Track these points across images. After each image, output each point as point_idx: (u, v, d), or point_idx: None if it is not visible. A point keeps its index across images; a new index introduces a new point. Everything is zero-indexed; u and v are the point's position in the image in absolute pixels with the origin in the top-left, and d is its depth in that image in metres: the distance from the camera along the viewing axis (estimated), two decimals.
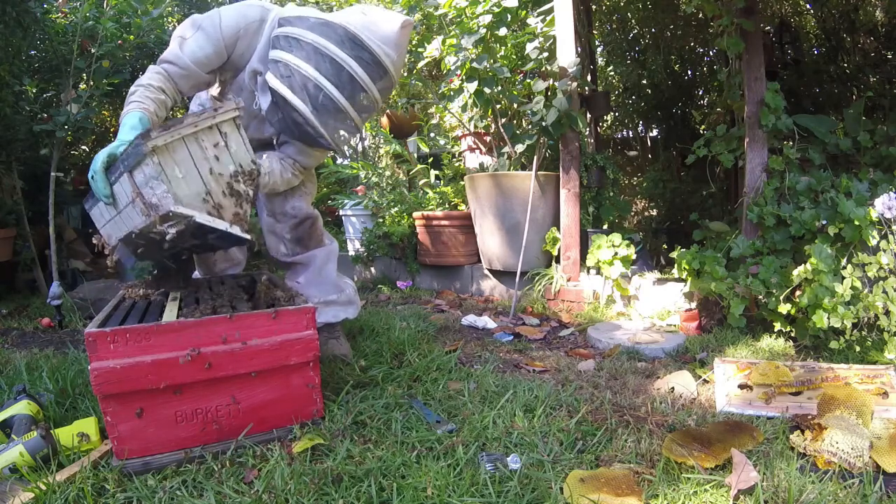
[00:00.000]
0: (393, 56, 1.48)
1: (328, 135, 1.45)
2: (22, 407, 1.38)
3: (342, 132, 1.49)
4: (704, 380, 1.74)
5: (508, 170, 3.15)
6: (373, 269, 3.82)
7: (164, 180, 1.15)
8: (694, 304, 2.46)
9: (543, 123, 2.80)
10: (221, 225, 1.21)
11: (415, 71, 3.69)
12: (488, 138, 3.46)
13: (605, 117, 4.53)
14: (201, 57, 1.57)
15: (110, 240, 1.42)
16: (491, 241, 3.11)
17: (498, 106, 3.20)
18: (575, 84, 2.78)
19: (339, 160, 4.22)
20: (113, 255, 1.42)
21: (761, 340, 2.10)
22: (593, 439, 1.33)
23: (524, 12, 3.17)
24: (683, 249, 2.38)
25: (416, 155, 4.29)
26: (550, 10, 2.92)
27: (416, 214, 3.48)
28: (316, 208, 1.99)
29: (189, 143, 1.21)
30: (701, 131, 3.90)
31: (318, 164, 1.99)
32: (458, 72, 3.09)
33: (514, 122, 3.30)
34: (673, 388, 1.67)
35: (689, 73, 4.27)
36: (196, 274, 2.05)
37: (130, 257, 1.40)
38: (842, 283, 1.88)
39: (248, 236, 1.26)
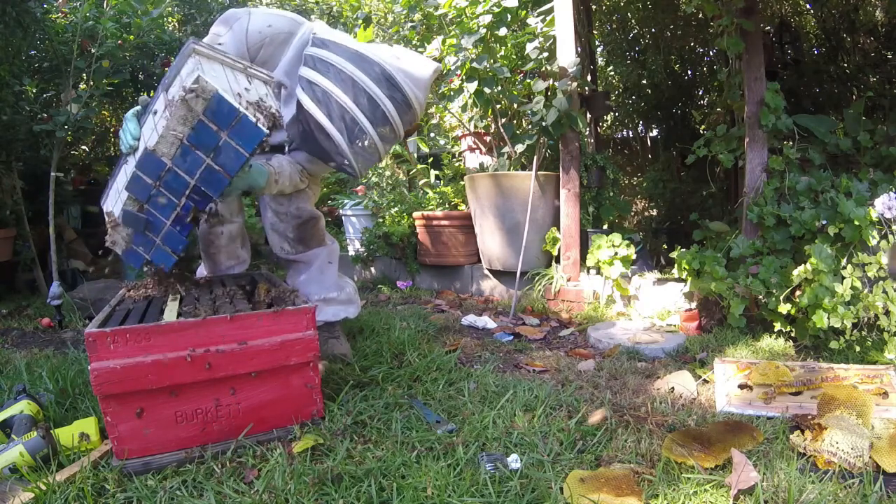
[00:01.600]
0: (421, 99, 1.54)
1: (357, 165, 1.49)
2: (22, 407, 1.38)
3: (367, 161, 1.54)
4: (704, 380, 1.74)
5: (508, 170, 3.15)
6: (373, 269, 3.82)
7: (199, 71, 1.21)
8: (694, 304, 2.46)
9: (543, 123, 2.80)
10: (239, 107, 1.23)
11: None
12: (488, 138, 3.46)
13: (605, 117, 4.53)
14: None
15: (116, 211, 1.43)
16: (491, 241, 3.11)
17: (498, 106, 3.20)
18: (575, 84, 2.78)
19: None
20: (119, 228, 1.41)
21: (761, 340, 2.10)
22: (593, 439, 1.33)
23: (524, 12, 3.17)
24: (683, 249, 2.38)
25: (416, 155, 4.29)
26: (550, 10, 2.92)
27: (416, 214, 3.48)
28: (317, 208, 2.00)
29: (225, 68, 1.32)
30: (701, 131, 3.90)
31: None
32: (458, 72, 3.09)
33: (514, 122, 3.30)
34: (673, 388, 1.67)
35: (689, 73, 4.27)
36: (200, 271, 2.06)
37: (139, 218, 1.37)
38: (842, 283, 1.88)
39: (263, 129, 1.26)
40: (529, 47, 2.96)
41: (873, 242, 1.91)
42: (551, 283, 2.88)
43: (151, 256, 1.43)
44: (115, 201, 1.43)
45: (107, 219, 1.44)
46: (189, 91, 1.18)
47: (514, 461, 1.20)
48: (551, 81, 2.82)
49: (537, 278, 2.96)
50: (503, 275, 3.21)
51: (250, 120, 1.23)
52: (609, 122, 4.82)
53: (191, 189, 1.31)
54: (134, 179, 1.32)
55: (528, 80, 3.13)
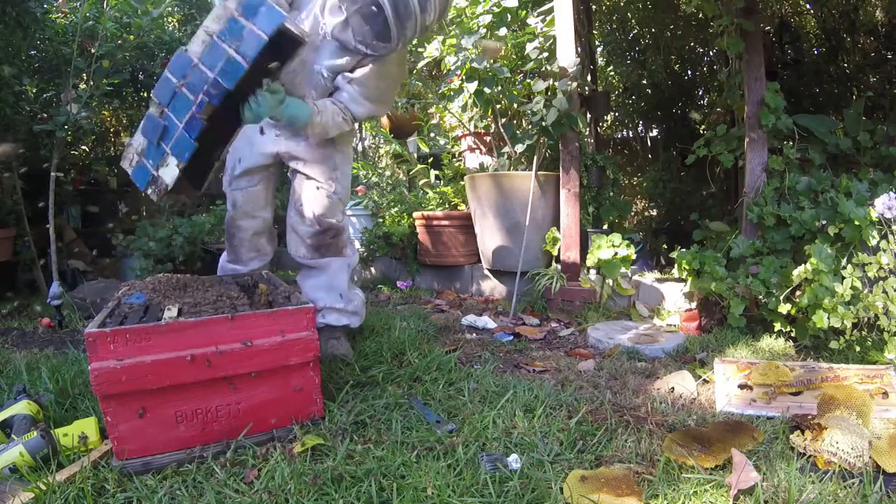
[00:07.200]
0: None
1: (396, 34, 1.62)
2: (22, 407, 1.38)
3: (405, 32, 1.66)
4: (704, 380, 1.74)
5: (508, 170, 3.15)
6: (373, 269, 3.82)
7: None
8: (694, 304, 2.46)
9: (543, 123, 2.80)
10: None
11: (415, 71, 3.69)
12: (488, 138, 3.46)
13: (605, 117, 4.53)
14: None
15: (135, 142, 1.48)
16: (491, 241, 3.11)
17: (498, 106, 3.20)
18: (575, 84, 2.78)
19: None
20: (133, 144, 1.47)
21: (761, 340, 2.10)
22: (593, 439, 1.33)
23: (524, 12, 3.17)
24: (683, 249, 2.38)
25: (416, 155, 4.29)
26: (550, 10, 2.92)
27: (416, 214, 3.48)
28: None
29: None
30: (701, 131, 3.90)
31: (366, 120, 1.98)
32: (458, 72, 3.09)
33: (514, 122, 3.30)
34: (673, 388, 1.67)
35: (689, 73, 4.27)
36: (224, 257, 2.09)
37: (158, 123, 1.42)
38: (842, 283, 1.88)
39: (283, 11, 1.34)
40: (529, 47, 2.96)
41: (873, 242, 1.91)
42: (551, 283, 2.87)
43: (159, 171, 1.44)
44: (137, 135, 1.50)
45: (130, 147, 1.50)
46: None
47: (514, 461, 1.20)
48: (551, 81, 2.82)
49: (537, 278, 2.96)
50: (503, 275, 3.21)
51: (272, 5, 1.31)
52: (609, 122, 4.82)
53: (209, 84, 1.35)
54: (162, 81, 1.41)
55: (528, 80, 3.13)
